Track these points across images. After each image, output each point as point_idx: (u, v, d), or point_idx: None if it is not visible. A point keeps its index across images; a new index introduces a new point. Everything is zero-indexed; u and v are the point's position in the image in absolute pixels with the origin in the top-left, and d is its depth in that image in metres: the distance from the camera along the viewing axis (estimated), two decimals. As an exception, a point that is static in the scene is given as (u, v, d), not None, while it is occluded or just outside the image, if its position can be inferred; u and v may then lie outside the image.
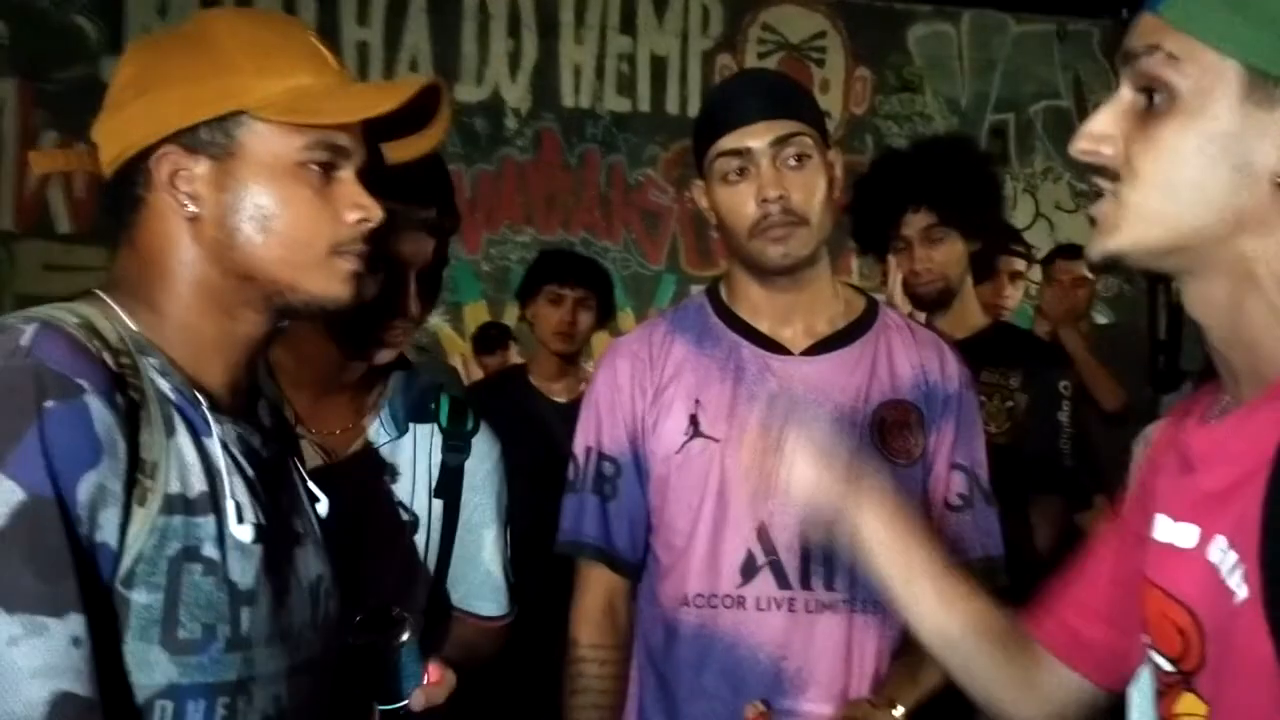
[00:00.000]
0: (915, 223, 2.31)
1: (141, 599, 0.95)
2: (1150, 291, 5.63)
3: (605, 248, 5.23)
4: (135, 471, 0.95)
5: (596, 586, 1.64)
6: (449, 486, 1.61)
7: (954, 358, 1.65)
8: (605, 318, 3.30)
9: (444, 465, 1.61)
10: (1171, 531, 0.96)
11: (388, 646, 1.27)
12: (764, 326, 1.61)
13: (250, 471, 1.08)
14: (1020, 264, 3.05)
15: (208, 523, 1.00)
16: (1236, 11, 0.88)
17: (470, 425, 1.64)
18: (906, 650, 1.55)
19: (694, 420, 1.58)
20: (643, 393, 1.62)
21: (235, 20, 1.11)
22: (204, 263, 1.06)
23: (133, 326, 1.03)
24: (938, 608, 1.18)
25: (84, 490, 0.91)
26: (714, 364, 1.61)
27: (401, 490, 1.59)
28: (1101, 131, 0.94)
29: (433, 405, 1.62)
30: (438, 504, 1.60)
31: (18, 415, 0.89)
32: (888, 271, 2.38)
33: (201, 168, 1.04)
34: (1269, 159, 0.88)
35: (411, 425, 1.60)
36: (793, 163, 1.52)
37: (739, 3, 5.39)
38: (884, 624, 1.55)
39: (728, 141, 1.53)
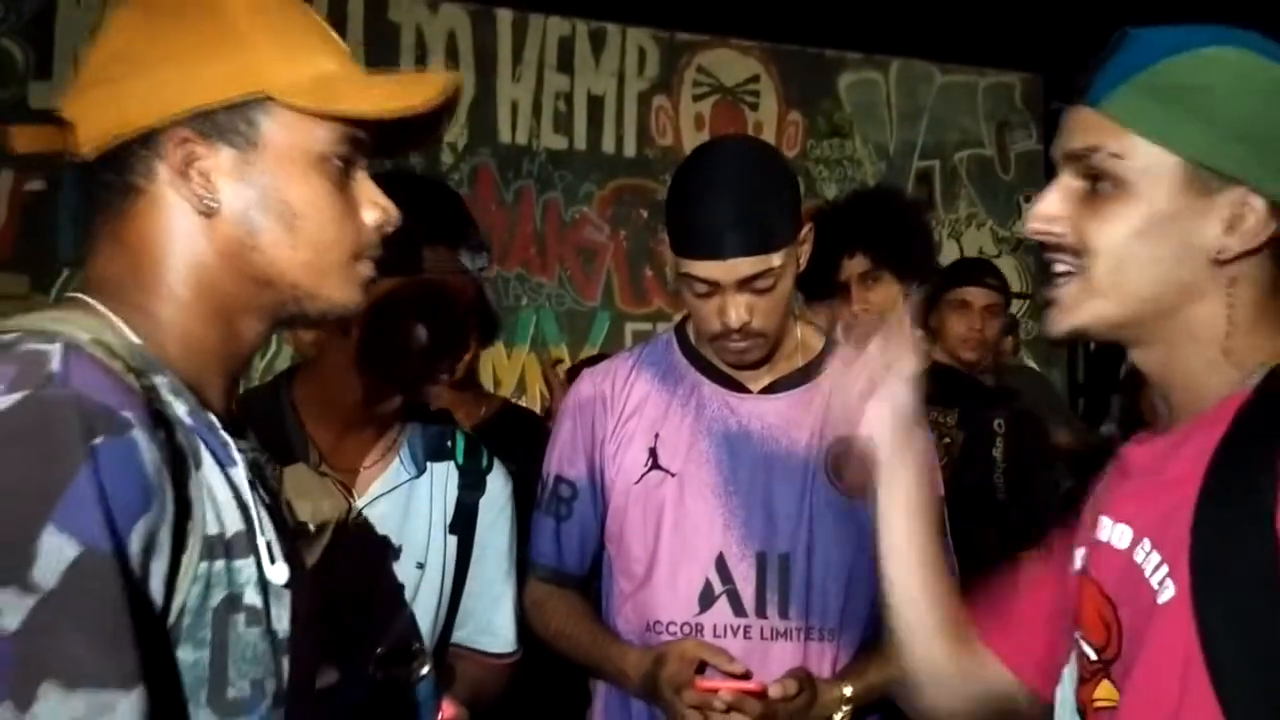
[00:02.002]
0: (852, 267, 2.39)
1: (188, 657, 0.84)
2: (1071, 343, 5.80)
3: (540, 284, 5.25)
4: (180, 514, 0.83)
5: (548, 595, 1.69)
6: (464, 524, 1.63)
7: None
8: (488, 337, 3.31)
9: (459, 503, 1.63)
10: (1111, 532, 1.06)
11: (407, 681, 1.27)
12: (725, 367, 1.66)
13: (269, 499, 0.96)
14: (973, 294, 2.96)
15: (248, 565, 0.89)
16: (1176, 109, 0.99)
17: (485, 463, 1.67)
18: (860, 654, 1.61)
19: (653, 453, 1.63)
20: (604, 423, 1.67)
21: None
22: (215, 264, 0.93)
23: (136, 340, 0.89)
24: (916, 569, 1.23)
25: (136, 540, 0.78)
26: (675, 400, 1.65)
27: (418, 528, 1.60)
28: (1051, 213, 1.04)
29: (449, 443, 1.64)
30: (452, 541, 1.62)
31: (65, 456, 0.75)
32: (835, 317, 2.45)
33: (221, 157, 0.91)
34: (1206, 238, 1.00)
35: (429, 464, 1.62)
36: (758, 287, 1.55)
37: (675, 45, 5.48)
38: (837, 650, 1.60)
39: (697, 269, 1.56)
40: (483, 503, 1.65)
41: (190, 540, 0.84)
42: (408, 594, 1.58)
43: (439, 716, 1.31)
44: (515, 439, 1.79)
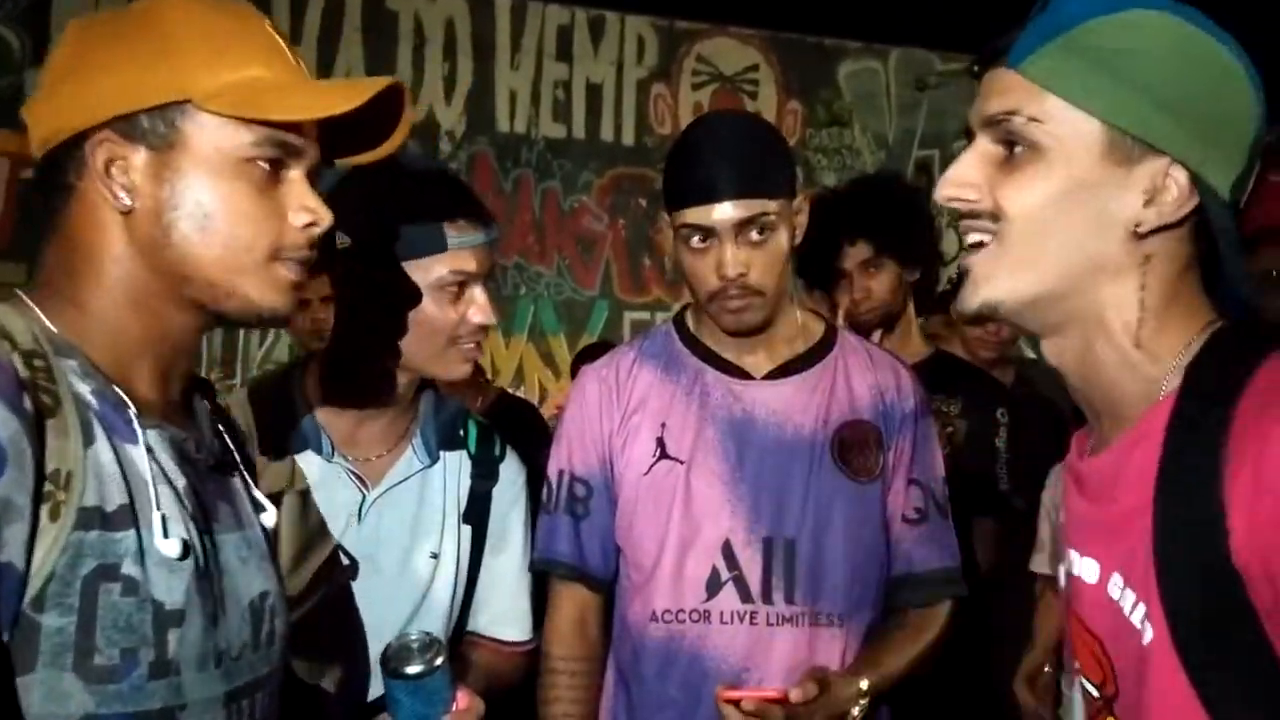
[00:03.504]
0: (853, 255, 2.39)
1: (53, 623, 0.86)
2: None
3: (539, 273, 5.24)
4: (44, 484, 0.86)
5: (569, 603, 1.67)
6: (477, 513, 1.63)
7: (910, 378, 1.71)
8: None
9: (473, 491, 1.63)
10: (1080, 565, 1.01)
11: (422, 672, 1.25)
12: (727, 354, 1.66)
13: (181, 481, 0.99)
14: None
15: (127, 538, 0.91)
16: (1098, 73, 0.93)
17: (498, 451, 1.66)
18: (871, 642, 1.60)
19: (660, 443, 1.63)
20: (610, 417, 1.66)
21: (188, 4, 1.00)
22: (136, 259, 0.98)
23: (51, 327, 0.95)
24: None
25: None
26: (679, 389, 1.65)
27: (432, 517, 1.60)
28: (965, 178, 0.98)
29: (461, 432, 1.64)
30: (466, 530, 1.61)
31: None
32: (836, 305, 2.43)
33: (139, 158, 0.97)
34: (1125, 210, 0.93)
35: (442, 453, 1.61)
36: (755, 237, 1.55)
37: (674, 34, 5.46)
38: (844, 636, 1.59)
39: (693, 215, 1.56)
40: (496, 491, 1.64)
41: (63, 509, 0.87)
42: (423, 584, 1.57)
43: (454, 706, 1.29)
44: (512, 429, 1.78)
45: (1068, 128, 0.94)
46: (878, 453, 1.63)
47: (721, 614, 1.56)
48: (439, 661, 1.26)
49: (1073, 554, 1.01)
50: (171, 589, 0.93)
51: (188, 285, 0.99)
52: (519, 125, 5.26)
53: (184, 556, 0.94)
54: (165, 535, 0.93)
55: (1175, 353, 0.95)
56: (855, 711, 1.52)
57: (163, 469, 0.97)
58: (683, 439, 1.62)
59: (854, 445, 1.62)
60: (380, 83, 1.01)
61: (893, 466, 1.65)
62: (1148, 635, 0.91)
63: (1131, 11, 0.94)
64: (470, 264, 1.51)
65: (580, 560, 1.66)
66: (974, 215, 0.98)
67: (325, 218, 1.02)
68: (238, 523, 1.06)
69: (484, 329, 1.54)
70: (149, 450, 0.95)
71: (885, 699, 1.62)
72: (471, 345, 1.54)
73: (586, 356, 4.28)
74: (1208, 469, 0.86)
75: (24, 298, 0.97)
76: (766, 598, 1.57)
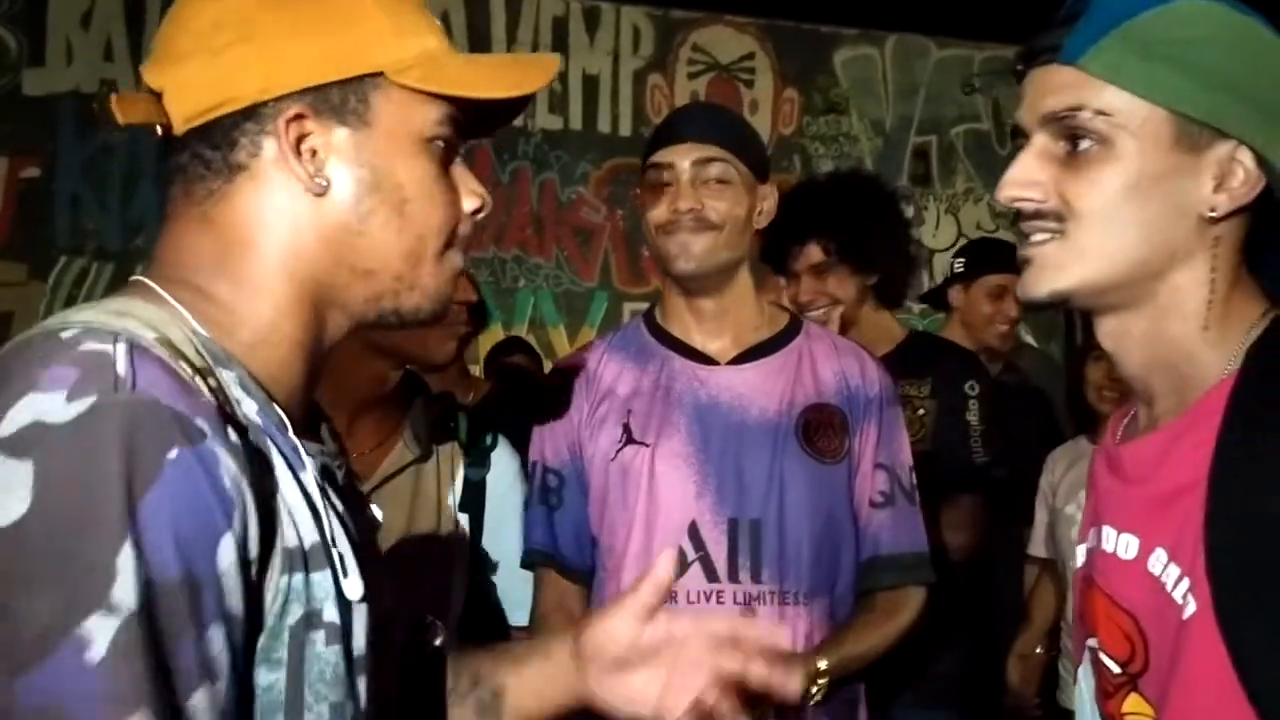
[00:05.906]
0: (803, 258, 2.37)
1: (263, 679, 0.77)
2: (1068, 311, 5.79)
3: (538, 265, 5.25)
4: (262, 526, 0.77)
5: (550, 591, 1.71)
6: (473, 501, 1.66)
7: (874, 364, 1.75)
8: (480, 324, 3.45)
9: (467, 480, 1.65)
10: (1115, 542, 1.01)
11: (418, 654, 1.27)
12: (694, 341, 1.71)
13: (339, 505, 0.88)
14: (1012, 281, 3.01)
15: (325, 579, 0.81)
16: (1161, 62, 0.94)
17: (490, 441, 1.69)
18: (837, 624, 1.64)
19: (626, 428, 1.68)
20: (580, 408, 1.71)
21: None
22: (315, 249, 0.86)
23: (202, 330, 0.82)
24: None
25: (222, 559, 0.73)
26: (646, 377, 1.70)
27: (427, 508, 1.61)
28: (1028, 178, 0.98)
29: (452, 424, 1.66)
30: (463, 518, 1.63)
31: (140, 470, 0.70)
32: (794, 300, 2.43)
33: (335, 135, 0.86)
34: (1197, 196, 0.95)
35: (434, 445, 1.63)
36: (714, 183, 1.62)
37: (669, 23, 5.46)
38: (812, 613, 1.62)
39: (657, 156, 1.67)
40: (490, 480, 1.67)
41: (271, 553, 0.78)
42: (422, 573, 1.59)
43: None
44: (516, 394, 1.82)
45: (1135, 119, 0.94)
46: (843, 436, 1.66)
47: (688, 594, 1.59)
48: (437, 643, 1.27)
49: (1106, 530, 1.02)
50: (358, 632, 0.84)
51: (368, 279, 0.89)
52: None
53: (365, 598, 0.84)
54: (345, 574, 0.83)
55: (1239, 335, 0.96)
56: (813, 690, 1.54)
57: (328, 496, 0.86)
58: (648, 424, 1.66)
59: (819, 428, 1.66)
60: (551, 65, 0.94)
61: (859, 451, 1.68)
62: (1189, 609, 0.92)
63: (1182, 3, 0.95)
64: None
65: (555, 549, 1.70)
66: (1039, 215, 0.98)
67: (489, 201, 0.94)
68: (369, 538, 0.97)
69: (467, 305, 1.57)
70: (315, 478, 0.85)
71: (861, 677, 1.65)
72: (456, 324, 1.58)
73: (502, 351, 4.26)
74: (1270, 447, 0.87)
75: (163, 294, 0.83)
76: (733, 577, 1.60)
